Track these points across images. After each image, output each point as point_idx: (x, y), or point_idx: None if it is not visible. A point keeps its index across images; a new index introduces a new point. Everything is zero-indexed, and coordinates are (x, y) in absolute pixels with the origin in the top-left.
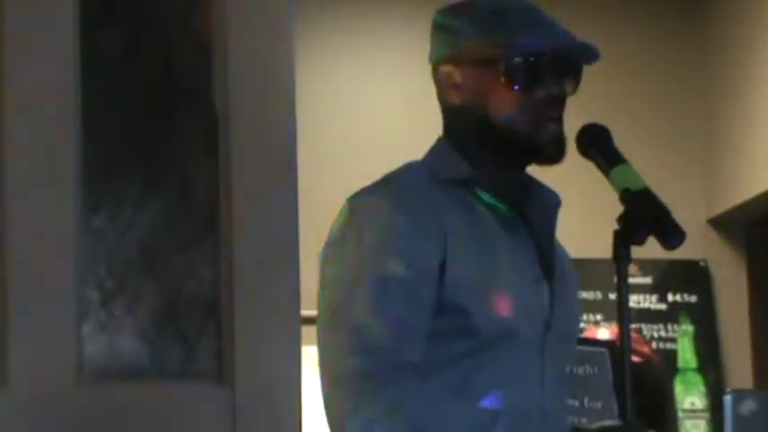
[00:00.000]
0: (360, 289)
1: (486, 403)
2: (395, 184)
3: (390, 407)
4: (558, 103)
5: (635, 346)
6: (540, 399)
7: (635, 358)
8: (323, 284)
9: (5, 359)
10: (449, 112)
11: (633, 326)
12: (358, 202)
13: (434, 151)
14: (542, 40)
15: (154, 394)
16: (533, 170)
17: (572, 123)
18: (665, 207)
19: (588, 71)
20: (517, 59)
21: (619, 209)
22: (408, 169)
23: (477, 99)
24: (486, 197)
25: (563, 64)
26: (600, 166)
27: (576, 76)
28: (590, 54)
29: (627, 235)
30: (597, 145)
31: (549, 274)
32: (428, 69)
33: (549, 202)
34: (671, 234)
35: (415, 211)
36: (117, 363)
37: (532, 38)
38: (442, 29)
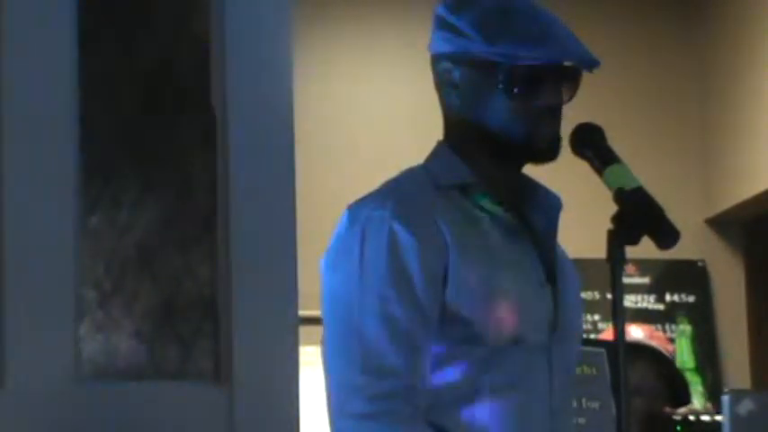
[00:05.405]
0: (365, 306)
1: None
2: (396, 193)
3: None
4: (556, 111)
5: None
6: (548, 401)
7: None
8: (325, 295)
9: (3, 360)
10: (446, 112)
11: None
12: (359, 211)
13: (434, 156)
14: (544, 51)
15: (152, 394)
16: (533, 171)
17: (569, 124)
18: (660, 206)
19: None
20: (517, 68)
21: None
22: (409, 176)
23: (474, 101)
24: (487, 202)
25: (562, 73)
26: (594, 166)
27: (575, 84)
28: (591, 62)
29: (620, 235)
30: (591, 144)
31: (552, 277)
32: (428, 71)
33: (550, 205)
34: (665, 234)
35: (417, 222)
36: (115, 363)
37: (535, 48)
38: (444, 24)
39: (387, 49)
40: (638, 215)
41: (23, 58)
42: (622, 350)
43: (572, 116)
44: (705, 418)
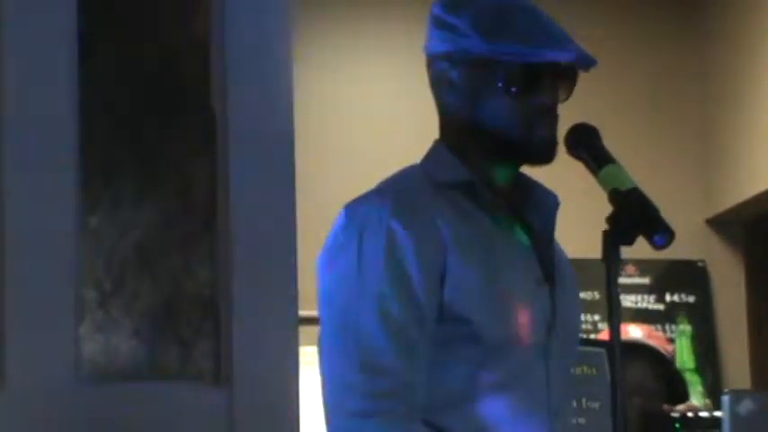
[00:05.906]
0: (362, 304)
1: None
2: (393, 191)
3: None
4: (553, 111)
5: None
6: (547, 401)
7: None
8: (322, 294)
9: (4, 359)
10: (442, 112)
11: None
12: (356, 210)
13: (432, 155)
14: (543, 49)
15: (151, 394)
16: (531, 171)
17: (568, 124)
18: (654, 206)
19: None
20: (515, 66)
21: None
22: (406, 175)
23: (471, 100)
24: (484, 201)
25: (559, 72)
26: (589, 167)
27: (571, 83)
28: (587, 61)
29: (616, 235)
30: (586, 145)
31: (550, 277)
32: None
33: (547, 204)
34: (659, 233)
35: (414, 221)
36: (115, 363)
37: (533, 46)
38: (441, 23)
39: (387, 49)
40: (633, 216)
41: (23, 59)
42: (617, 350)
43: (571, 116)
44: (704, 414)
